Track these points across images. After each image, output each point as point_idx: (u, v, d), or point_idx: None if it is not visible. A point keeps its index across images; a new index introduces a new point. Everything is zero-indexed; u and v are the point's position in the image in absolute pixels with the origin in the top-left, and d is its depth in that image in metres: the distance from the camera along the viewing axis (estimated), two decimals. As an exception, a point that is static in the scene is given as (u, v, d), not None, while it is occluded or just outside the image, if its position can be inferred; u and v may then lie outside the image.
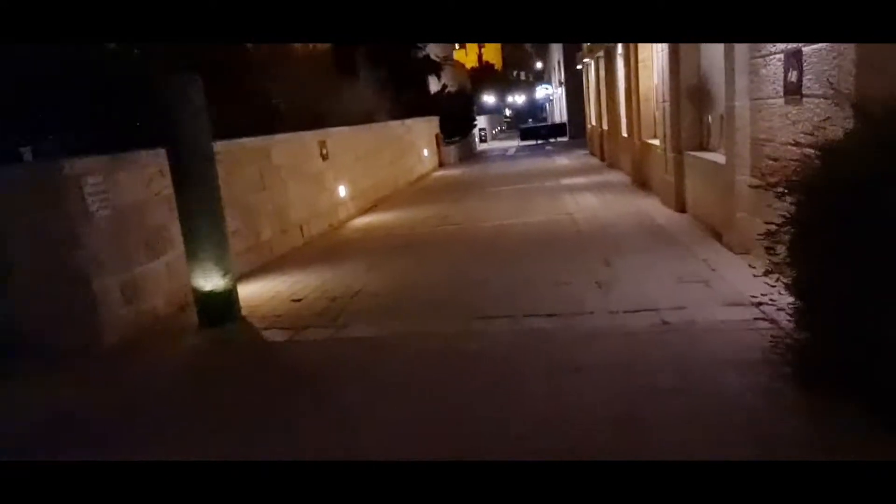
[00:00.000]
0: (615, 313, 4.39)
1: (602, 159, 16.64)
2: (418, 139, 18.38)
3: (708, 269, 5.26)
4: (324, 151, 10.07)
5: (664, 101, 8.20)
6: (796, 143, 4.28)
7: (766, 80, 4.82)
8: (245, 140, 7.48)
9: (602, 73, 15.51)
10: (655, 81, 9.87)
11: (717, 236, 6.19)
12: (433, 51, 26.24)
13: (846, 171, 2.74)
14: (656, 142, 9.70)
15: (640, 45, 10.45)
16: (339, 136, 11.02)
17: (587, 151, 20.35)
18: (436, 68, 25.81)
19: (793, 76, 4.33)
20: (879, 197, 2.55)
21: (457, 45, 69.82)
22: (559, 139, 31.42)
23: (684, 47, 7.39)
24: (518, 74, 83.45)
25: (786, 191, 3.16)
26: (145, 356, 4.56)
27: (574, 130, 30.55)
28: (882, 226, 2.53)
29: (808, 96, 4.13)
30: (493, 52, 79.72)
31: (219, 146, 6.71)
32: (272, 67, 9.92)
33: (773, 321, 3.85)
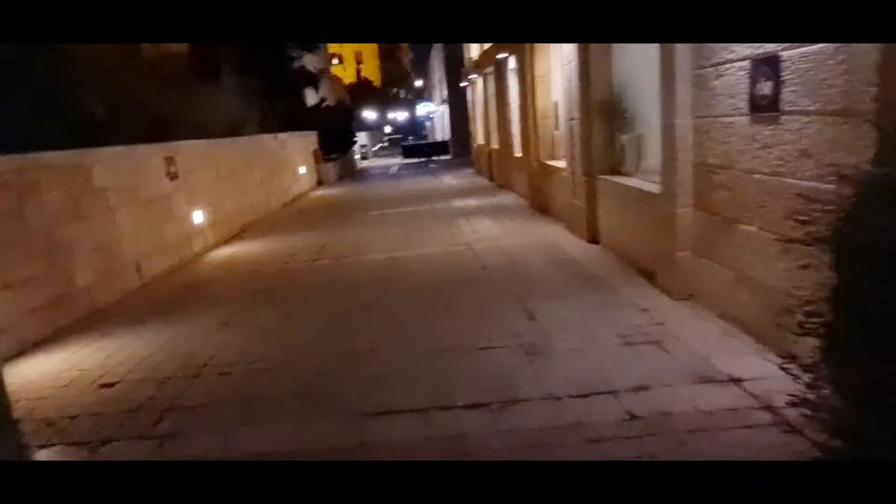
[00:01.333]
0: (559, 400, 3.23)
1: (491, 179, 15.89)
2: (294, 155, 16.65)
3: (652, 321, 4.29)
4: (172, 169, 8.23)
5: (571, 119, 7.35)
6: (775, 174, 3.39)
7: (721, 93, 3.94)
8: (48, 155, 5.60)
9: (491, 89, 14.78)
10: (556, 98, 9.11)
11: (648, 275, 5.31)
12: (310, 62, 24.56)
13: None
14: (558, 163, 8.90)
15: (538, 59, 9.67)
16: (194, 152, 9.19)
17: (474, 171, 19.64)
18: (312, 80, 24.12)
19: (765, 88, 3.45)
20: None
21: (335, 60, 67.97)
22: (442, 157, 30.76)
23: (595, 56, 6.56)
24: (398, 92, 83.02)
25: (834, 251, 2.14)
26: None
27: (457, 149, 30.02)
28: None
29: (791, 113, 3.25)
30: (371, 69, 78.82)
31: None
32: (98, 65, 7.96)
33: (771, 409, 2.88)
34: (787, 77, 3.24)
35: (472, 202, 12.03)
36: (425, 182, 18.14)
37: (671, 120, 4.51)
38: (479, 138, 18.42)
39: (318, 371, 3.96)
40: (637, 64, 5.89)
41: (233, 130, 13.88)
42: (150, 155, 7.76)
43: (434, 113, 39.26)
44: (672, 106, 4.48)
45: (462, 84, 19.01)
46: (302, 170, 17.36)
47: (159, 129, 8.58)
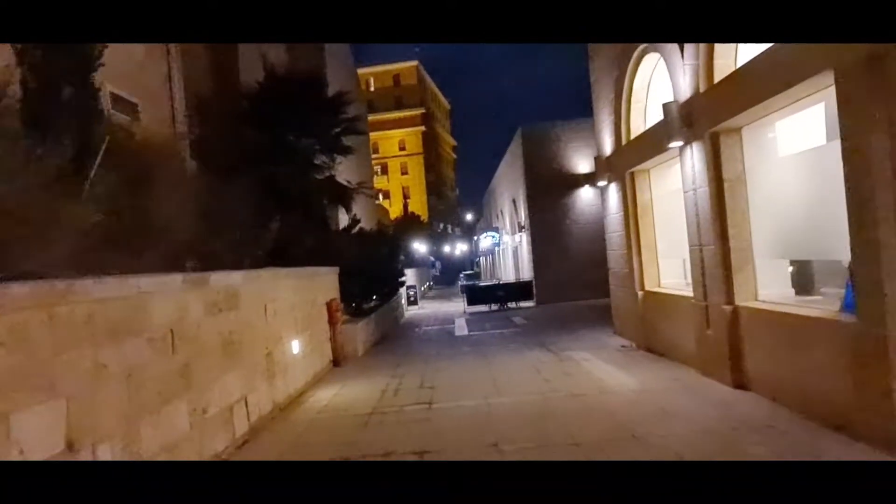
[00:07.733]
0: None
1: (740, 386, 6.55)
2: (277, 318, 7.88)
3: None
4: None
5: None
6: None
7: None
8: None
9: (736, 170, 6.02)
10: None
11: None
12: (344, 174, 16.68)
13: None
14: None
15: None
16: None
17: (625, 343, 10.46)
18: (342, 196, 15.90)
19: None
20: None
21: (381, 196, 62.43)
22: (522, 304, 21.83)
23: None
24: (445, 227, 76.90)
25: None
26: None
27: (545, 293, 21.15)
28: None
29: None
30: (418, 204, 73.40)
31: None
32: None
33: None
34: None
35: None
36: (543, 368, 8.91)
37: None
38: (647, 279, 9.42)
39: None
40: None
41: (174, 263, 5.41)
42: None
43: (502, 244, 30.98)
44: None
45: (600, 183, 10.41)
46: (296, 346, 8.50)
47: None
